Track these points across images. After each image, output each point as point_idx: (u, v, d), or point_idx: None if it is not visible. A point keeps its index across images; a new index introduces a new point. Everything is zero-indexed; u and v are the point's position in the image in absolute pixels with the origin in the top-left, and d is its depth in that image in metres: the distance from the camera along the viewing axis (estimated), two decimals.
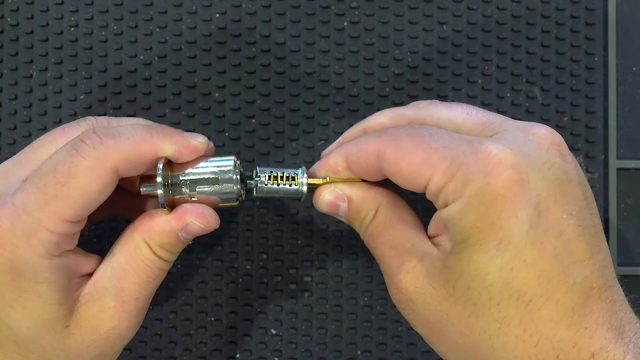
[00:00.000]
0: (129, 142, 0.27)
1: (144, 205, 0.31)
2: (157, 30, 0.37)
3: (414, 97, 0.37)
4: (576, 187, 0.26)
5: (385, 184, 0.30)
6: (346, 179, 0.30)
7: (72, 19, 0.37)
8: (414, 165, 0.26)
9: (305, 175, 0.30)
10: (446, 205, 0.26)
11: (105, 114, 0.36)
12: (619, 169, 0.37)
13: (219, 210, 0.30)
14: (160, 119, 0.36)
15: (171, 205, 0.29)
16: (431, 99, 0.36)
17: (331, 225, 0.37)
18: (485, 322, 0.26)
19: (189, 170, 0.29)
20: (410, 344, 0.37)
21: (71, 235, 0.27)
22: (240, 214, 0.37)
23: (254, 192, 0.30)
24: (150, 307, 0.30)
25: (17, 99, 0.36)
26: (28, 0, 0.36)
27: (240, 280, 0.37)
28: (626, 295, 0.27)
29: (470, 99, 0.37)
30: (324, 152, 0.33)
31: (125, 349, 0.31)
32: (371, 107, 0.37)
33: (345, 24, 0.37)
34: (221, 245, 0.37)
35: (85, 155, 0.27)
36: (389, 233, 0.29)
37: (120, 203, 0.31)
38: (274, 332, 0.37)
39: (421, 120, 0.30)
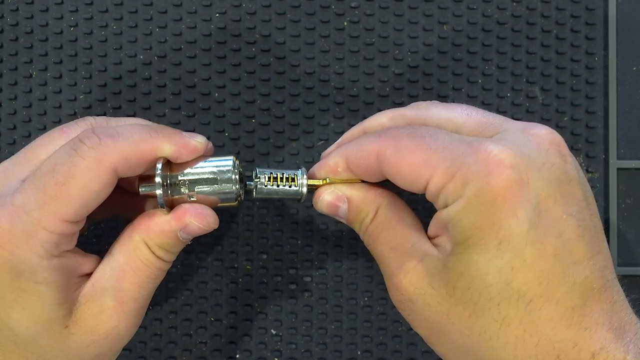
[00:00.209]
0: (128, 142, 0.27)
1: (143, 205, 0.31)
2: (157, 30, 0.37)
3: (414, 97, 0.37)
4: (576, 187, 0.26)
5: (385, 184, 0.30)
6: (346, 180, 0.30)
7: (72, 18, 0.36)
8: (413, 166, 0.26)
9: (304, 176, 0.30)
10: (446, 206, 0.26)
11: (105, 114, 0.36)
12: (619, 169, 0.37)
13: (218, 210, 0.30)
14: (159, 118, 0.36)
15: (170, 206, 0.29)
16: (431, 98, 0.36)
17: (331, 225, 0.37)
18: (486, 323, 0.26)
19: (188, 170, 0.29)
20: (410, 344, 0.37)
21: (70, 235, 0.27)
22: (240, 214, 0.37)
23: (254, 193, 0.30)
24: (150, 307, 0.30)
25: (17, 99, 0.36)
26: (28, 0, 0.36)
27: (240, 280, 0.37)
28: (626, 296, 0.27)
29: (471, 99, 0.37)
30: (323, 153, 0.33)
31: (125, 349, 0.31)
32: (371, 107, 0.37)
33: (345, 23, 0.37)
34: (221, 245, 0.37)
35: (85, 155, 0.27)
36: (388, 234, 0.29)
37: (119, 203, 0.31)
38: (274, 332, 0.37)
39: (421, 120, 0.30)
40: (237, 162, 0.30)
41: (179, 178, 0.29)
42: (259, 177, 0.30)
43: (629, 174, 0.37)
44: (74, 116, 0.36)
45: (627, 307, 0.27)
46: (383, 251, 0.29)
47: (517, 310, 0.25)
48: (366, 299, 0.37)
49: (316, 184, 0.30)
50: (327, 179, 0.30)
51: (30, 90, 0.36)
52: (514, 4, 0.37)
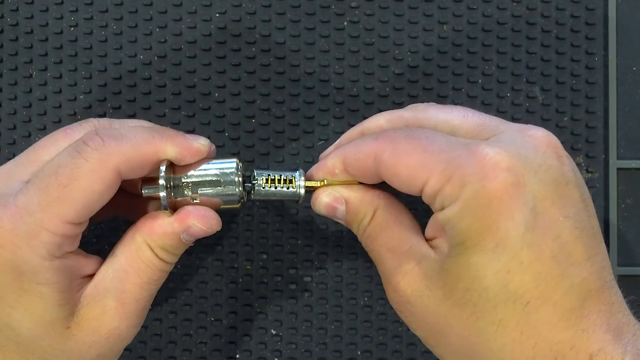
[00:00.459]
0: (132, 144, 0.27)
1: (146, 207, 0.32)
2: (157, 30, 0.37)
3: (414, 97, 0.37)
4: (573, 189, 0.26)
5: (383, 186, 0.30)
6: (344, 181, 0.30)
7: (72, 18, 0.37)
8: (410, 168, 0.26)
9: (302, 177, 0.30)
10: (443, 208, 0.26)
11: (105, 114, 0.36)
12: (619, 169, 0.37)
13: (219, 211, 0.30)
14: (160, 118, 0.36)
15: (173, 207, 0.29)
16: (431, 98, 0.36)
17: (331, 226, 0.37)
18: (483, 325, 0.26)
19: (191, 172, 0.29)
20: (410, 344, 0.37)
21: (73, 236, 0.28)
22: (240, 214, 0.37)
23: (252, 195, 0.30)
24: (150, 307, 0.30)
25: (17, 99, 0.36)
26: (28, 0, 0.36)
27: (240, 280, 0.37)
28: (625, 297, 0.27)
29: (471, 99, 0.37)
30: (321, 155, 0.33)
31: (125, 349, 0.31)
32: (371, 107, 0.37)
33: (345, 23, 0.37)
34: (221, 245, 0.37)
35: (88, 157, 0.27)
36: (386, 235, 0.29)
37: (122, 204, 0.32)
38: (274, 332, 0.37)
39: (419, 122, 0.30)
40: (240, 164, 0.30)
41: (182, 180, 0.29)
42: (257, 179, 0.30)
43: (629, 174, 0.37)
44: (74, 116, 0.36)
45: (625, 308, 0.27)
46: (381, 252, 0.29)
47: (514, 312, 0.25)
48: (366, 299, 0.37)
49: (314, 185, 0.30)
50: (325, 181, 0.30)
51: (30, 90, 0.37)
52: (514, 4, 0.37)
